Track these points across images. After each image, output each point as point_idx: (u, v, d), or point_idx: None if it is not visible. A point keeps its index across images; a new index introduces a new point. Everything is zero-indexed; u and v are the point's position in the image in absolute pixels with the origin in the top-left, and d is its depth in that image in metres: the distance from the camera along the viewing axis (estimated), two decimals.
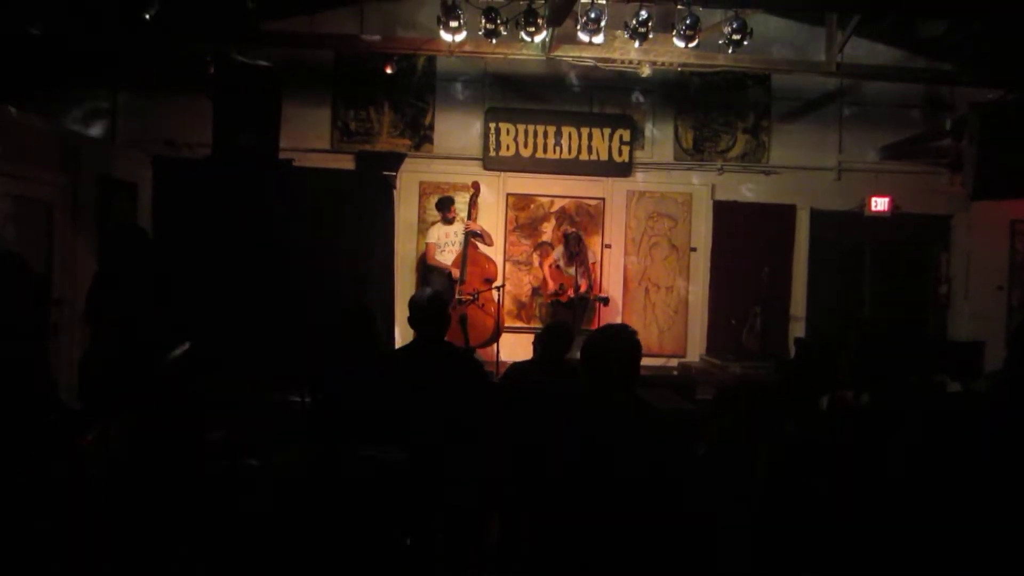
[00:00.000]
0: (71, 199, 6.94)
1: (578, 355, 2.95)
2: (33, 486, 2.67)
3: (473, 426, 3.73)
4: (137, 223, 7.34)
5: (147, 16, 6.56)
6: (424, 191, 9.28)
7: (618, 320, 9.18)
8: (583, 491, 2.57)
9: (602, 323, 9.11)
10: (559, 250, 8.76)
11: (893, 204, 9.36)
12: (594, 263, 8.83)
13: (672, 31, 7.01)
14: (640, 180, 9.54)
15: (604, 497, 2.54)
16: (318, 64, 9.00)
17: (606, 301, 8.93)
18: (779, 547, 2.65)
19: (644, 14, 6.87)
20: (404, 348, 4.35)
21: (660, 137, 9.59)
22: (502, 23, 6.93)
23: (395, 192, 9.17)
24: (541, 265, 9.11)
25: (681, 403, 5.85)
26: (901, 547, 2.24)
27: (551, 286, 8.62)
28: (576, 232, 8.77)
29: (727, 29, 7.00)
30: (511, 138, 9.28)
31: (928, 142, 9.35)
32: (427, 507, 3.37)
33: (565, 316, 8.47)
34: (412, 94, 9.24)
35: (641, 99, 9.43)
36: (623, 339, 2.83)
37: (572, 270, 8.52)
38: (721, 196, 9.58)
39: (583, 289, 8.51)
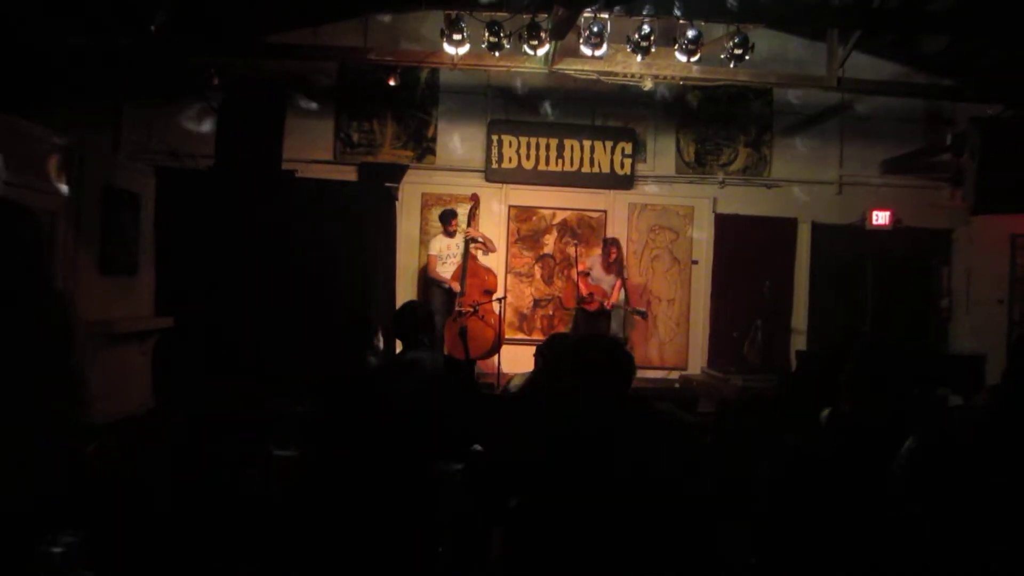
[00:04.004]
0: (74, 210, 6.95)
1: None
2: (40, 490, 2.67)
3: (466, 434, 3.74)
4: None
5: (152, 27, 6.61)
6: (426, 203, 9.31)
7: (621, 330, 9.18)
8: (584, 499, 2.57)
9: (633, 338, 9.13)
10: (594, 258, 8.70)
11: (894, 218, 9.37)
12: (628, 278, 8.76)
13: (674, 45, 7.06)
14: (646, 192, 9.58)
15: (606, 506, 2.54)
16: (322, 76, 9.04)
17: (644, 315, 8.90)
18: (780, 558, 2.65)
19: (646, 28, 6.92)
20: (397, 358, 4.36)
21: (662, 150, 9.62)
22: (505, 36, 6.98)
23: (397, 204, 9.20)
24: (570, 273, 9.01)
25: (683, 416, 5.84)
26: (901, 560, 2.24)
27: (583, 291, 8.55)
28: (615, 240, 8.74)
29: (729, 44, 7.05)
30: (513, 150, 9.31)
31: (929, 156, 9.38)
32: (433, 517, 3.37)
33: (583, 323, 8.44)
34: (415, 106, 9.28)
35: (643, 112, 9.47)
36: (607, 350, 2.83)
37: (604, 280, 8.47)
38: (723, 209, 9.61)
39: (615, 300, 8.48)
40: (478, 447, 3.67)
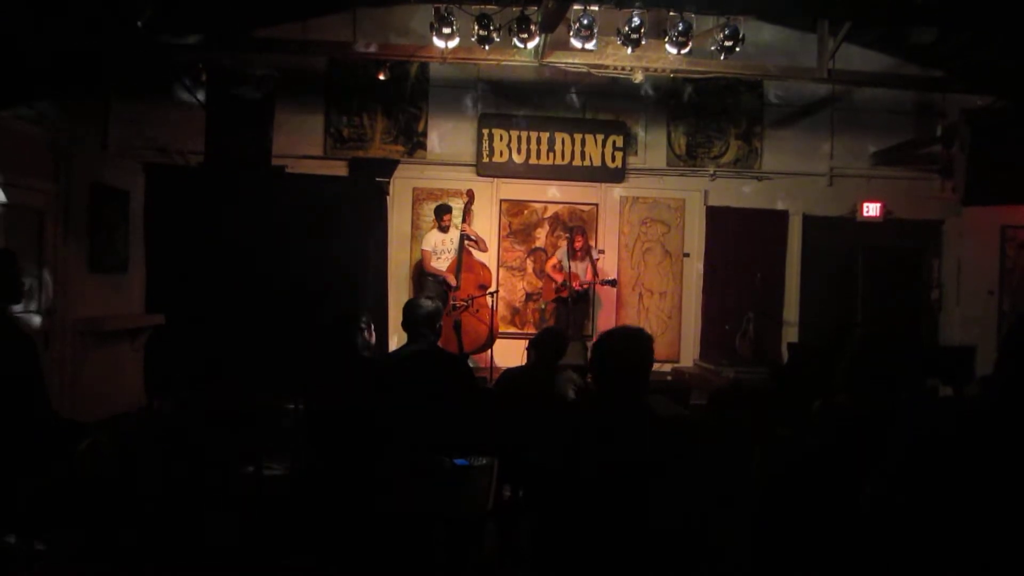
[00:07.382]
0: (63, 207, 6.91)
1: (571, 360, 2.94)
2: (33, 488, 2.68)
3: (463, 429, 3.72)
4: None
5: (140, 23, 6.56)
6: (417, 197, 9.28)
7: (612, 322, 9.19)
8: (587, 494, 2.57)
9: (598, 320, 9.15)
10: (561, 250, 8.77)
11: (885, 210, 9.40)
12: (598, 259, 8.82)
13: (664, 38, 7.04)
14: (638, 185, 9.57)
15: (608, 500, 2.53)
16: (311, 71, 9.00)
17: (614, 283, 8.96)
18: (775, 549, 2.65)
19: (636, 20, 6.89)
20: (395, 353, 4.35)
21: (653, 143, 9.62)
22: (495, 30, 6.95)
23: (388, 198, 9.17)
24: (543, 268, 9.08)
25: (676, 408, 5.84)
26: (894, 550, 2.24)
27: (558, 279, 8.61)
28: (580, 227, 8.85)
29: (719, 35, 7.04)
30: (504, 144, 9.29)
31: (919, 148, 9.40)
32: (424, 515, 3.35)
33: (565, 314, 8.47)
34: (405, 100, 9.24)
35: (634, 105, 9.46)
36: (639, 342, 2.79)
37: (574, 266, 8.52)
38: (714, 202, 9.61)
39: (585, 279, 8.54)
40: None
